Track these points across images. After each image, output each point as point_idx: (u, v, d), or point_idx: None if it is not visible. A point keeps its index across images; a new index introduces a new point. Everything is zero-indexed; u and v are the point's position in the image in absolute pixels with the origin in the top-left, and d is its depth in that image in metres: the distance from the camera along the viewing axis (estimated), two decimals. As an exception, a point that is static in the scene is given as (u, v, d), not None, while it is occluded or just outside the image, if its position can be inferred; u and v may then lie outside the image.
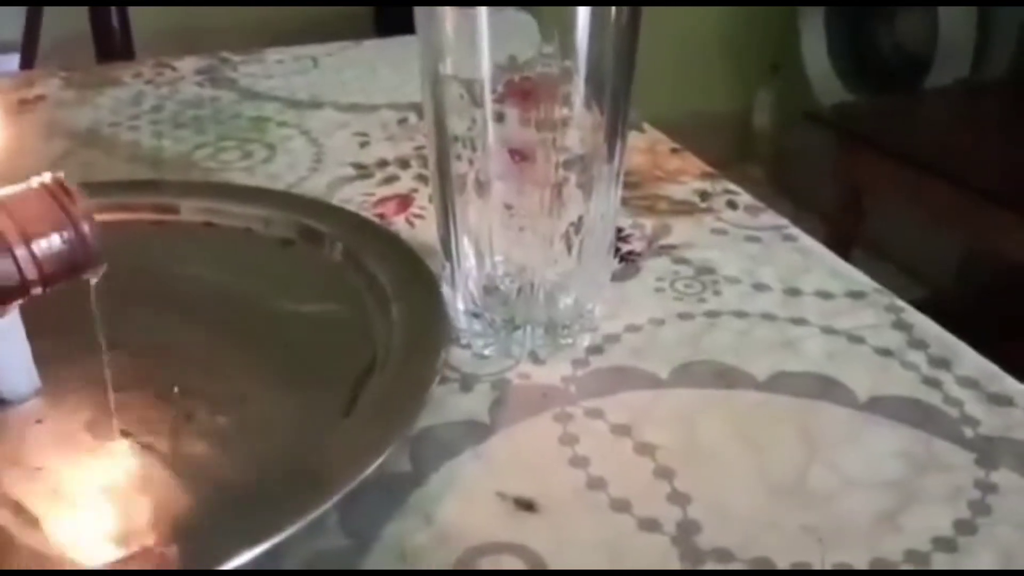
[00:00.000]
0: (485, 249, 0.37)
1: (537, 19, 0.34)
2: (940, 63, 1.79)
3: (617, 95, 0.35)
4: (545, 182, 0.36)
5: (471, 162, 0.36)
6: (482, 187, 0.36)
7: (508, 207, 0.37)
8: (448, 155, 0.36)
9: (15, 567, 0.27)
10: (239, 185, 0.48)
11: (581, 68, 0.34)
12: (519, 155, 0.36)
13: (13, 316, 0.33)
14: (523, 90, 0.35)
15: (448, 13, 0.34)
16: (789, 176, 2.15)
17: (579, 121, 0.35)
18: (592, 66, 0.34)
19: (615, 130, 0.35)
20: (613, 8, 0.33)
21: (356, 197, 0.49)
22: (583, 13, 0.33)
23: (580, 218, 0.37)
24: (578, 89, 0.34)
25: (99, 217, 0.43)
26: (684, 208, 0.48)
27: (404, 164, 0.53)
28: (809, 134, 1.76)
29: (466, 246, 0.37)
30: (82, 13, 1.08)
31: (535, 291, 0.36)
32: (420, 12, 0.35)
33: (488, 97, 0.34)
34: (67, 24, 1.13)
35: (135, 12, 1.07)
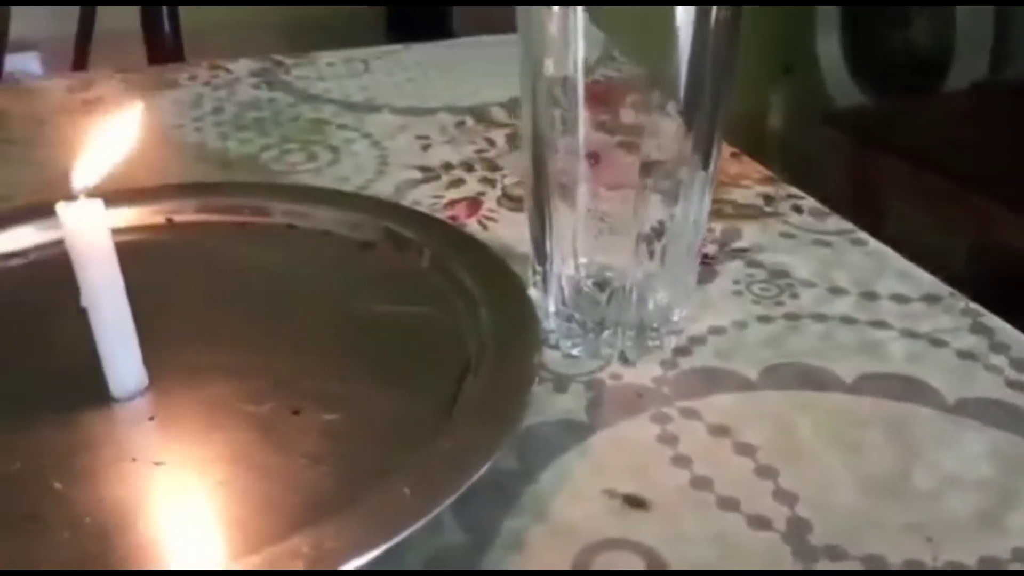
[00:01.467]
0: (568, 252, 0.38)
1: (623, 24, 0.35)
2: (957, 65, 1.79)
3: (716, 101, 0.35)
4: (621, 186, 0.37)
5: (556, 164, 0.37)
6: (566, 190, 0.37)
7: (588, 210, 0.37)
8: (544, 157, 0.37)
9: (139, 566, 0.28)
10: (319, 188, 0.49)
11: (681, 74, 0.34)
12: (594, 158, 0.37)
13: (124, 315, 0.34)
14: (598, 93, 0.36)
15: (552, 14, 0.34)
16: (803, 178, 2.16)
17: (659, 126, 0.36)
18: (690, 72, 0.34)
19: (711, 136, 0.36)
20: (713, 9, 0.33)
21: (425, 200, 0.50)
22: (682, 15, 0.33)
23: (661, 223, 0.37)
24: (671, 94, 0.35)
25: (182, 218, 0.44)
26: (750, 212, 0.49)
27: (469, 167, 0.53)
28: (823, 136, 1.76)
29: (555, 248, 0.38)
30: (127, 12, 1.08)
31: (627, 293, 0.37)
32: (521, 12, 0.35)
33: (581, 99, 0.35)
34: (110, 22, 1.14)
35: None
